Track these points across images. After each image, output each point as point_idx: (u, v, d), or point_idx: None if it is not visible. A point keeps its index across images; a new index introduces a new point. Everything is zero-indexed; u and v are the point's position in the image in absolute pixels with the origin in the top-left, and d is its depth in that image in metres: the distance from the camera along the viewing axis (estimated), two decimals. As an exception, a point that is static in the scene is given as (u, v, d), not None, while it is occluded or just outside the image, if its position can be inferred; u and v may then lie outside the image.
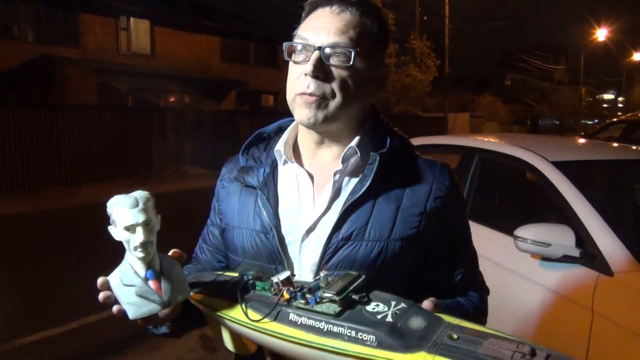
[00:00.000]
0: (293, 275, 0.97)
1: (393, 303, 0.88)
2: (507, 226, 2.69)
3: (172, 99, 16.42)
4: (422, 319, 0.84)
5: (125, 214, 0.86)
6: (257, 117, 16.40)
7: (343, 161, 1.03)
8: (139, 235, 0.86)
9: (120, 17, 17.66)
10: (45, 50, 15.12)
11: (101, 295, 0.90)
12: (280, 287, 0.92)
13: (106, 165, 12.29)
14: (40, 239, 7.25)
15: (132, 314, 0.90)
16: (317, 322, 0.86)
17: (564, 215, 2.44)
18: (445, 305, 1.00)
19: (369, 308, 0.87)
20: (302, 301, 0.89)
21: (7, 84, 13.53)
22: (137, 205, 0.86)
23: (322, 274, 0.92)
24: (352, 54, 0.97)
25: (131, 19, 17.80)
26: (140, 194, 0.88)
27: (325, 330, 0.84)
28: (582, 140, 3.87)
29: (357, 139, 1.04)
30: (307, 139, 1.08)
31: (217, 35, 20.66)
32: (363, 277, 0.92)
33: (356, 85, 0.99)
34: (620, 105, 61.04)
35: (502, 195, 3.28)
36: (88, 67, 15.24)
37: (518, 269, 2.50)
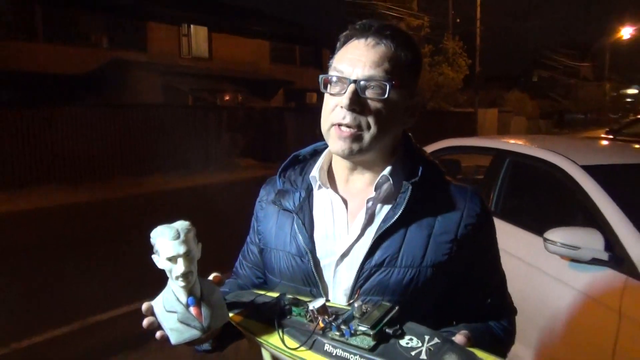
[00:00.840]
0: (328, 300, 0.92)
1: (427, 338, 0.80)
2: (537, 227, 2.56)
3: (226, 98, 16.58)
4: (456, 356, 0.76)
5: (167, 245, 0.82)
6: (302, 113, 16.41)
7: (376, 189, 0.97)
8: (180, 266, 0.82)
9: (182, 25, 17.81)
10: (117, 55, 15.40)
11: (145, 322, 0.86)
12: (316, 315, 0.86)
13: (170, 157, 12.46)
14: (111, 225, 7.35)
15: (174, 339, 0.86)
16: (352, 356, 0.80)
17: (593, 218, 2.27)
18: (475, 329, 0.94)
19: (403, 342, 0.80)
20: (337, 333, 0.82)
21: (86, 86, 13.91)
22: (178, 237, 0.82)
23: (356, 304, 0.85)
24: (387, 86, 0.91)
25: (192, 26, 17.93)
26: (181, 226, 0.84)
27: None
28: (612, 143, 3.62)
29: (389, 168, 0.98)
30: (341, 166, 1.02)
31: (266, 39, 20.62)
32: (397, 308, 0.85)
33: (391, 116, 0.94)
34: (644, 99, 57.99)
35: (532, 197, 3.11)
36: (154, 69, 15.47)
37: (547, 269, 2.36)
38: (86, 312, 3.98)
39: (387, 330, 0.81)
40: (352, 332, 0.81)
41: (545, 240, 2.19)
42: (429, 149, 3.65)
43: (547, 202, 2.96)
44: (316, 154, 1.10)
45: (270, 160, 14.30)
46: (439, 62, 24.06)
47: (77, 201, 9.00)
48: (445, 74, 23.79)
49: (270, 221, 1.07)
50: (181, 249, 0.81)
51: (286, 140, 14.77)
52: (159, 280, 0.82)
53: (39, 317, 3.89)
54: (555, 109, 40.06)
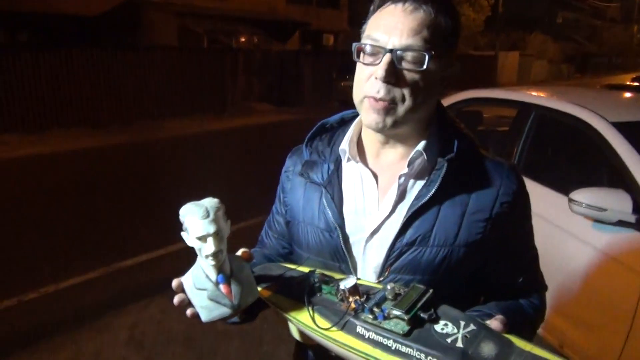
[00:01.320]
0: (358, 279, 0.88)
1: (462, 324, 0.77)
2: (561, 185, 2.49)
3: (242, 40, 16.18)
4: (493, 345, 0.74)
5: (197, 224, 0.78)
6: (319, 56, 16.00)
7: (409, 164, 0.92)
8: (210, 245, 0.79)
9: (196, -37, 17.17)
10: (132, -5, 15.01)
11: (176, 299, 0.85)
12: (347, 295, 0.83)
13: (186, 101, 12.40)
14: (131, 170, 7.38)
15: (204, 317, 0.84)
16: (385, 340, 0.77)
17: (622, 179, 2.19)
18: (508, 309, 0.92)
19: (438, 328, 0.77)
20: (370, 316, 0.80)
21: (100, 28, 13.68)
22: (208, 215, 0.79)
23: (389, 286, 0.82)
24: (426, 57, 0.83)
25: (205, -36, 17.27)
26: (210, 203, 0.80)
27: (393, 348, 0.76)
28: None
29: (423, 142, 0.92)
30: (372, 139, 0.97)
31: (282, -23, 19.87)
32: (431, 291, 0.82)
33: (427, 88, 0.87)
34: (672, 42, 55.30)
35: (558, 154, 2.99)
36: (169, 10, 14.99)
37: (570, 228, 2.31)
38: (114, 258, 4.05)
39: (421, 314, 0.78)
40: (386, 315, 0.79)
41: (571, 200, 2.13)
42: (449, 100, 3.53)
43: (573, 160, 2.86)
44: (344, 123, 1.05)
45: (286, 105, 14.20)
46: (460, 2, 23.05)
47: (96, 145, 9.05)
48: (466, 14, 22.84)
49: (297, 193, 1.03)
50: (211, 228, 0.78)
51: (303, 84, 14.53)
52: (180, 227, 0.80)
53: (68, 262, 4.00)
54: (578, 53, 38.48)
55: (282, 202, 1.08)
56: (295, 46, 18.39)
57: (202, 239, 0.79)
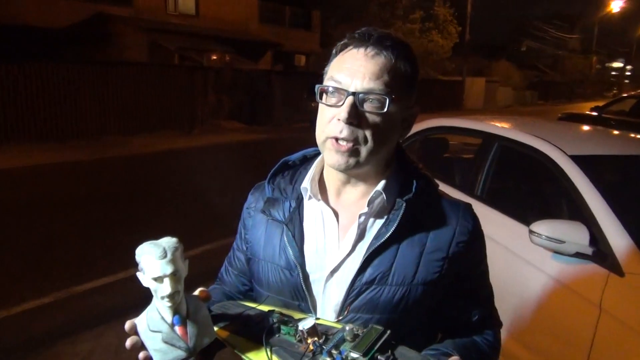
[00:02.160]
0: (317, 318, 0.88)
1: None
2: (522, 215, 2.55)
3: (214, 57, 16.15)
4: None
5: (154, 265, 0.77)
6: (290, 76, 16.15)
7: (369, 204, 0.94)
8: (167, 287, 0.77)
9: (168, -21, 17.18)
10: (100, 9, 14.82)
11: (128, 342, 0.82)
12: (306, 336, 0.82)
13: (155, 118, 12.36)
14: (101, 186, 7.18)
15: None
16: None
17: (579, 210, 2.26)
18: (463, 347, 0.95)
19: None
20: (328, 358, 0.79)
21: (66, 41, 13.46)
22: (165, 256, 0.77)
23: (347, 327, 0.82)
24: (387, 100, 0.86)
25: (178, -20, 17.31)
26: (168, 243, 0.79)
27: None
28: (603, 131, 3.58)
29: (383, 182, 0.95)
30: (333, 178, 0.98)
31: (255, -3, 20.06)
32: (388, 332, 0.82)
33: (388, 129, 0.90)
34: (628, 73, 58.31)
35: (520, 184, 3.07)
36: (139, 25, 14.95)
37: (530, 257, 2.36)
38: (68, 282, 3.90)
39: (379, 357, 0.78)
40: (344, 357, 0.79)
41: (531, 232, 2.18)
42: (416, 127, 3.59)
43: (534, 190, 2.94)
44: (306, 160, 1.06)
45: (256, 124, 14.17)
46: (429, 28, 23.72)
47: (56, 161, 8.82)
48: (435, 41, 23.50)
49: (258, 230, 1.03)
50: (168, 269, 0.77)
51: (273, 104, 14.59)
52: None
53: (18, 286, 3.83)
54: (541, 80, 40.05)
55: (243, 238, 1.08)
56: (266, 66, 18.49)
57: (159, 279, 0.77)
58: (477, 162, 3.02)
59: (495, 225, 2.59)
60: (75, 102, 10.79)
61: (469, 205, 0.99)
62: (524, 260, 2.38)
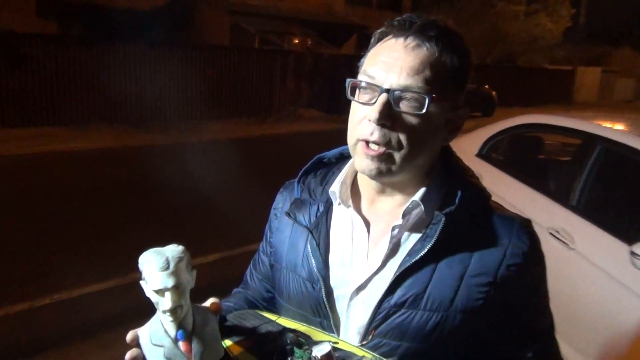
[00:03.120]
0: (336, 343, 0.84)
1: None
2: (624, 233, 2.30)
3: (295, 41, 16.32)
4: None
5: (155, 276, 0.75)
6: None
7: (404, 215, 0.88)
8: (167, 301, 0.75)
9: (252, -41, 17.58)
10: (185, -9, 15.47)
11: (128, 355, 0.80)
12: None
13: (233, 103, 12.68)
14: (175, 172, 7.14)
15: None
16: None
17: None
18: None
19: None
20: None
21: (152, 23, 14.13)
22: (167, 267, 0.75)
23: (369, 355, 0.78)
24: (426, 100, 0.80)
25: (262, -39, 17.66)
26: (172, 253, 0.77)
27: None
28: None
29: (422, 191, 0.88)
30: (367, 184, 0.93)
31: (343, -23, 20.01)
32: None
33: (427, 133, 0.84)
34: None
35: (624, 195, 2.76)
36: (221, 7, 15.44)
37: (630, 283, 2.13)
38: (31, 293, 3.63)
39: None
40: None
41: (633, 254, 1.96)
42: (505, 123, 3.46)
43: (641, 205, 2.66)
44: (343, 158, 1.01)
45: (336, 113, 14.13)
46: (536, 10, 22.40)
47: (139, 144, 9.17)
48: (542, 24, 22.16)
49: (283, 234, 1.00)
50: (169, 282, 0.74)
51: None
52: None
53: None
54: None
55: (268, 241, 1.06)
56: (350, 50, 18.33)
57: (160, 292, 0.75)
58: (575, 166, 2.80)
59: (591, 243, 2.38)
60: (156, 85, 11.22)
61: (526, 222, 0.90)
62: (623, 286, 2.16)
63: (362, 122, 0.84)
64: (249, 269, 1.13)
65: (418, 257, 0.84)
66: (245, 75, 12.90)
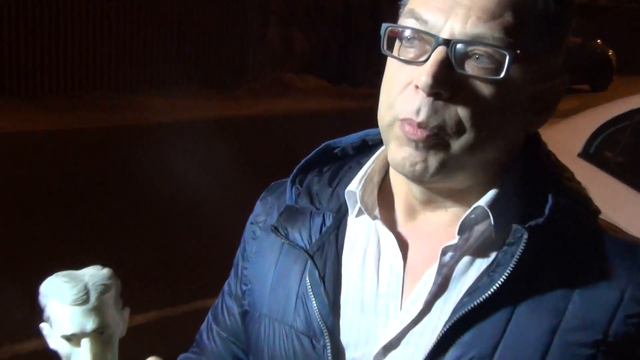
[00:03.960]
0: None
1: None
2: None
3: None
4: None
5: (66, 314, 0.66)
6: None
7: (461, 231, 0.69)
8: (85, 354, 0.65)
9: None
10: None
11: None
12: None
13: (176, 66, 10.10)
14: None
15: None
16: None
17: None
18: None
19: None
20: None
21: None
22: (86, 299, 0.65)
23: None
24: (506, 59, 0.62)
25: None
26: (94, 278, 0.67)
27: None
28: None
29: (491, 193, 0.69)
30: (404, 187, 0.74)
31: None
32: None
33: (504, 111, 0.66)
34: None
35: None
36: None
37: None
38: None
39: None
40: None
41: None
42: (629, 103, 3.04)
43: None
44: (366, 149, 0.81)
45: (349, 82, 11.74)
46: None
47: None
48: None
49: (266, 261, 0.83)
50: (89, 323, 0.65)
51: (379, 50, 11.43)
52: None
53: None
54: None
55: (239, 276, 0.88)
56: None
57: (74, 340, 0.67)
58: None
59: None
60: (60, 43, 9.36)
61: None
62: None
63: (405, 91, 0.67)
64: (205, 324, 0.98)
65: (484, 296, 0.68)
66: (201, 22, 10.38)
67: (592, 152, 3.01)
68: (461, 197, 0.70)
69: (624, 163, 3.05)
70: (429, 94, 0.62)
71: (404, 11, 0.67)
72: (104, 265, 0.67)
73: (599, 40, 14.12)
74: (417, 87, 0.62)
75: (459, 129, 0.64)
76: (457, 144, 0.64)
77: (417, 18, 0.64)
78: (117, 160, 6.55)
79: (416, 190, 0.70)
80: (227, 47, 10.70)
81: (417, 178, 0.66)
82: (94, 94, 9.41)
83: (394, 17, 0.68)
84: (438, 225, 0.72)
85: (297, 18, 11.30)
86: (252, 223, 0.86)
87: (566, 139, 3.05)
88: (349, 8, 11.42)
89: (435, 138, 0.63)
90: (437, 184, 0.68)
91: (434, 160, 0.64)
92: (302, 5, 11.16)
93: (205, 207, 5.19)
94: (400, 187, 0.74)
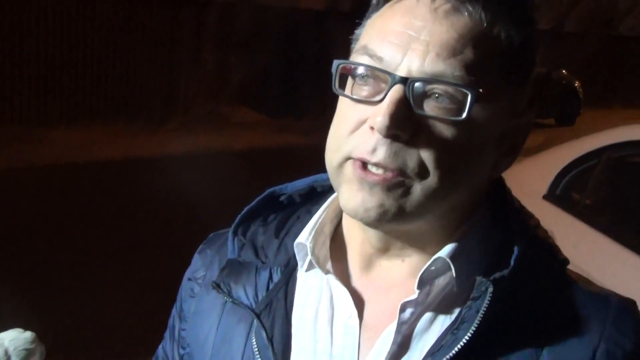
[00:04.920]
0: None
1: None
2: None
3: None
4: None
5: None
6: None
7: (421, 284, 0.70)
8: None
9: None
10: None
11: None
12: None
13: (96, 97, 9.73)
14: None
15: None
16: None
17: None
18: None
19: None
20: None
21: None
22: None
23: None
24: (469, 97, 0.64)
25: None
26: (16, 342, 0.70)
27: None
28: None
29: (451, 246, 0.70)
30: (359, 235, 0.75)
31: None
32: None
33: (471, 153, 0.68)
34: None
35: None
36: None
37: None
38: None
39: None
40: None
41: None
42: (598, 140, 3.10)
43: None
44: (314, 196, 0.83)
45: (290, 115, 11.46)
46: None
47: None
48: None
49: (205, 323, 0.83)
50: None
51: (327, 76, 10.89)
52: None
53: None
54: None
55: (176, 338, 0.88)
56: (320, 4, 13.53)
57: None
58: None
59: None
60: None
61: (629, 304, 0.74)
62: None
63: (359, 130, 0.68)
64: None
65: (448, 356, 0.68)
66: (129, 45, 9.84)
67: (559, 194, 3.06)
68: (422, 244, 0.71)
69: (593, 205, 3.12)
70: (387, 135, 0.62)
71: (357, 47, 0.68)
72: (26, 328, 0.67)
73: (564, 71, 13.83)
74: (372, 128, 0.63)
75: (422, 172, 0.64)
76: (418, 188, 0.65)
77: (371, 55, 0.65)
78: (21, 203, 6.30)
79: (372, 236, 0.71)
80: (154, 75, 10.32)
81: (374, 222, 0.66)
82: (3, 130, 8.92)
83: (344, 43, 0.72)
84: (396, 278, 0.72)
85: (234, 42, 10.90)
86: (189, 279, 0.86)
87: (531, 179, 3.08)
88: (292, 31, 11.03)
89: (393, 180, 0.64)
90: (395, 229, 0.69)
91: (392, 206, 0.64)
92: (239, 29, 10.62)
93: (128, 254, 5.16)
94: (356, 234, 0.74)
